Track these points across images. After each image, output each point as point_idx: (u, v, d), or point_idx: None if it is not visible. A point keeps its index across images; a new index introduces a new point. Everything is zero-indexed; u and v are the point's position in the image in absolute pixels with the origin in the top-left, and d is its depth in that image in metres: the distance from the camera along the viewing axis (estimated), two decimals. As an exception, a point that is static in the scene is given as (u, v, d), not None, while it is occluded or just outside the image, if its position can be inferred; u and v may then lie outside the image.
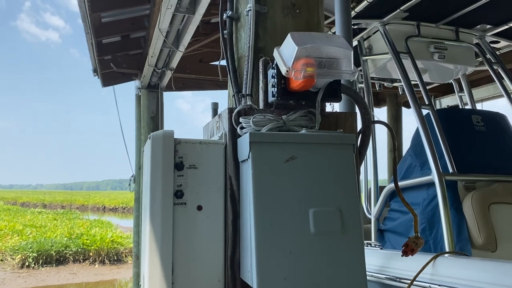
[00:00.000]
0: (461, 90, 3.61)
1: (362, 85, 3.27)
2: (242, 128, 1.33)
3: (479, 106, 4.09)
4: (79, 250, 12.78)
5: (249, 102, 1.42)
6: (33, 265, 11.93)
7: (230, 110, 1.39)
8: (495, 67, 3.11)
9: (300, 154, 1.23)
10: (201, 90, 6.43)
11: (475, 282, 1.66)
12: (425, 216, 2.40)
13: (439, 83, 3.89)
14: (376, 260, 2.24)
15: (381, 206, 2.81)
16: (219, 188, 1.37)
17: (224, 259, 1.35)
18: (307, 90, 1.36)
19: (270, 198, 1.19)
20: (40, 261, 12.08)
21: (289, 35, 1.28)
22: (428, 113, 2.59)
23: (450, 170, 2.35)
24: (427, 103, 2.63)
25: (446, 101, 4.87)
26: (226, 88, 1.65)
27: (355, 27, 3.12)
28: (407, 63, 2.84)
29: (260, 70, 1.45)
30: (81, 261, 12.65)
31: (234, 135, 1.37)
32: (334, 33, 2.88)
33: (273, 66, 1.36)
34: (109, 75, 5.79)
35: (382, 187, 2.86)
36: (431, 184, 2.36)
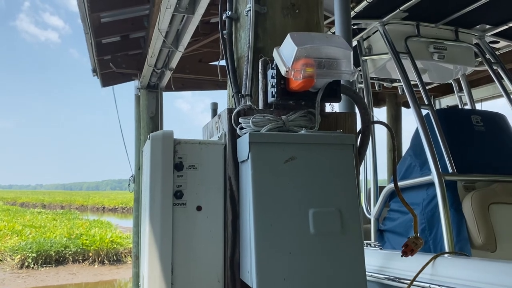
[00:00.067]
0: (460, 90, 3.61)
1: (362, 85, 3.27)
2: (241, 128, 1.33)
3: (478, 106, 4.09)
4: (79, 250, 12.78)
5: (248, 103, 1.42)
6: (32, 265, 11.92)
7: (230, 111, 1.39)
8: (494, 67, 3.12)
9: (299, 154, 1.23)
10: (200, 90, 6.43)
11: (474, 282, 1.66)
12: (425, 216, 2.40)
13: (438, 83, 3.89)
14: (376, 260, 2.24)
15: (380, 206, 2.81)
16: (218, 189, 1.36)
17: (224, 259, 1.35)
18: (307, 91, 1.36)
19: (269, 198, 1.19)
20: (40, 262, 12.07)
21: (288, 35, 1.28)
22: (428, 113, 2.59)
23: (450, 170, 2.35)
24: (426, 103, 2.63)
25: (446, 101, 4.87)
26: (226, 88, 1.65)
27: (354, 27, 3.12)
28: (406, 63, 2.84)
29: (260, 70, 1.45)
30: (81, 261, 12.65)
31: (233, 136, 1.37)
32: (333, 33, 2.88)
33: (273, 66, 1.36)
34: (109, 75, 5.79)
35: (382, 187, 2.86)
36: (430, 184, 2.36)
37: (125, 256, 12.99)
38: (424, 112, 2.60)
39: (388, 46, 2.89)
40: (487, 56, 3.15)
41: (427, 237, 2.35)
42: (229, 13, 1.59)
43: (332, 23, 2.80)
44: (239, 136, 1.34)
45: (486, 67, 3.15)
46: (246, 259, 1.26)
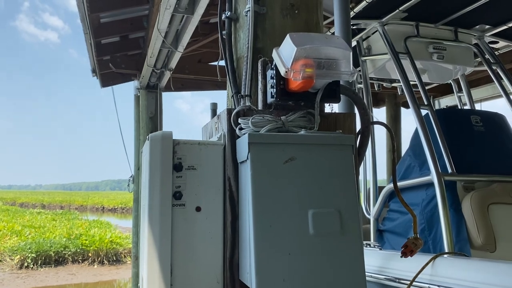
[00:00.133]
0: (460, 90, 3.61)
1: (361, 86, 3.27)
2: (241, 129, 1.33)
3: (478, 106, 4.09)
4: (78, 250, 12.77)
5: (248, 103, 1.42)
6: (32, 265, 11.91)
7: (229, 111, 1.39)
8: (494, 67, 3.12)
9: (299, 155, 1.23)
10: (200, 90, 6.43)
11: (474, 283, 1.66)
12: (424, 217, 2.40)
13: (438, 83, 3.89)
14: (375, 260, 2.24)
15: (380, 207, 2.81)
16: (218, 189, 1.36)
17: (223, 260, 1.35)
18: (306, 91, 1.35)
19: (269, 199, 1.19)
20: (39, 262, 12.06)
21: (288, 35, 1.28)
22: (427, 113, 2.59)
23: (449, 171, 2.35)
24: (426, 103, 2.63)
25: (445, 101, 4.87)
26: (225, 89, 1.65)
27: (354, 27, 3.12)
28: (406, 63, 2.84)
29: (259, 71, 1.44)
30: (80, 261, 12.64)
31: (233, 136, 1.37)
32: (333, 33, 2.88)
33: (272, 67, 1.36)
34: (108, 75, 5.79)
35: (381, 188, 2.86)
36: (430, 184, 2.36)
37: (124, 256, 12.98)
38: (424, 112, 2.60)
39: (388, 46, 2.89)
40: (487, 56, 3.15)
41: (426, 238, 2.35)
42: (229, 13, 1.59)
43: (332, 23, 2.80)
44: (239, 137, 1.34)
45: (485, 67, 3.15)
46: (245, 260, 1.26)
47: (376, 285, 2.18)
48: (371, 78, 3.58)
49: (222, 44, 1.60)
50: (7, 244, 13.54)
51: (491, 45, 3.36)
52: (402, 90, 2.86)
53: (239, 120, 1.33)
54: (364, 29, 3.19)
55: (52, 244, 12.82)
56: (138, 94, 5.79)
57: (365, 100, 3.02)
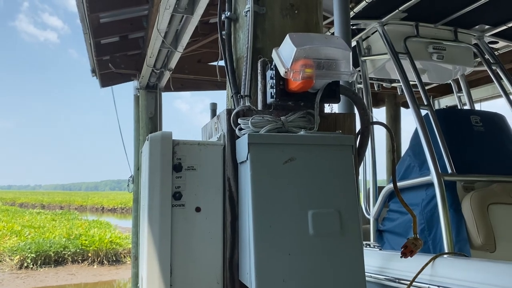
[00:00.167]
0: (459, 90, 3.61)
1: (361, 86, 3.27)
2: (240, 129, 1.33)
3: (477, 107, 4.10)
4: (78, 250, 12.77)
5: (247, 103, 1.42)
6: (31, 266, 11.91)
7: (229, 111, 1.39)
8: (493, 67, 3.12)
9: (299, 155, 1.23)
10: (199, 90, 6.43)
11: (474, 283, 1.66)
12: (424, 217, 2.40)
13: (437, 83, 3.89)
14: (375, 261, 2.24)
15: (380, 207, 2.81)
16: (217, 190, 1.36)
17: (223, 260, 1.35)
18: (306, 91, 1.35)
19: (268, 199, 1.19)
20: (39, 262, 12.06)
21: (287, 36, 1.28)
22: (427, 113, 2.59)
23: (449, 171, 2.35)
24: (425, 103, 2.63)
25: (445, 102, 4.87)
26: (225, 89, 1.64)
27: (353, 27, 3.12)
28: (405, 63, 2.84)
29: (259, 71, 1.44)
30: (80, 261, 12.64)
31: (232, 136, 1.37)
32: (333, 33, 2.88)
33: (272, 67, 1.36)
34: (108, 75, 5.79)
35: (381, 188, 2.86)
36: (430, 184, 2.36)
37: (124, 256, 12.98)
38: (423, 112, 2.60)
39: (387, 47, 2.89)
40: (486, 56, 3.15)
41: (426, 238, 2.35)
42: (228, 13, 1.59)
43: (331, 23, 2.80)
44: (238, 137, 1.34)
45: (485, 68, 3.15)
46: (245, 260, 1.26)
47: (376, 285, 2.18)
48: (370, 78, 3.58)
49: (222, 45, 1.60)
50: (7, 244, 13.53)
51: (490, 45, 3.36)
52: (402, 90, 2.86)
53: (239, 121, 1.33)
54: (363, 29, 3.19)
55: (51, 244, 12.82)
56: (138, 94, 5.79)
57: (364, 100, 3.03)
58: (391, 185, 2.62)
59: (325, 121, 1.43)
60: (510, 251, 2.20)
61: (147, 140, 1.34)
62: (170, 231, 1.29)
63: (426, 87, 3.05)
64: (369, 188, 3.06)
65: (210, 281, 1.33)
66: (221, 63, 1.63)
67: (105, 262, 12.65)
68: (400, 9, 2.86)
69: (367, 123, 1.52)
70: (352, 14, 2.87)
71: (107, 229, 16.82)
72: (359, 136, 1.52)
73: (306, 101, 1.38)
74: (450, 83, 3.68)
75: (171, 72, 4.95)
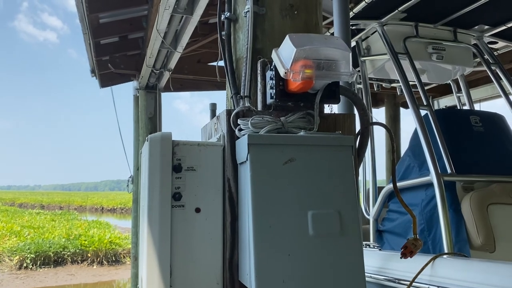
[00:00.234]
0: (459, 90, 3.61)
1: (360, 86, 3.27)
2: (240, 130, 1.33)
3: (477, 107, 4.10)
4: (77, 251, 12.77)
5: (247, 104, 1.42)
6: (31, 266, 11.91)
7: (228, 112, 1.38)
8: (493, 67, 3.12)
9: (298, 156, 1.23)
10: (199, 90, 6.43)
11: (474, 284, 1.66)
12: (424, 217, 2.40)
13: (437, 83, 3.89)
14: (375, 261, 2.24)
15: (379, 207, 2.81)
16: (217, 190, 1.36)
17: (223, 261, 1.35)
18: (306, 92, 1.35)
19: (268, 200, 1.19)
20: (38, 262, 12.06)
21: (287, 36, 1.28)
22: (427, 113, 2.59)
23: (449, 171, 2.35)
24: (425, 103, 2.63)
25: (444, 102, 4.88)
26: (224, 89, 1.64)
27: (353, 27, 3.12)
28: (405, 63, 2.84)
29: (259, 71, 1.44)
30: (79, 262, 12.64)
31: (232, 137, 1.37)
32: (332, 34, 2.88)
33: (272, 67, 1.36)
34: (107, 75, 5.78)
35: (381, 188, 2.86)
36: (429, 184, 2.36)
37: (124, 256, 12.98)
38: (423, 112, 2.60)
39: (387, 47, 2.89)
40: (486, 56, 3.15)
41: (426, 238, 2.35)
42: (228, 14, 1.59)
43: (331, 23, 2.80)
44: (238, 138, 1.34)
45: (484, 68, 3.15)
46: (245, 261, 1.26)
47: (375, 285, 2.18)
48: (370, 79, 3.58)
49: (222, 45, 1.60)
50: (6, 245, 13.53)
51: (490, 46, 3.36)
52: (402, 91, 2.87)
53: (239, 121, 1.33)
54: (363, 29, 3.19)
55: (51, 244, 12.82)
56: (137, 95, 5.79)
57: (364, 101, 3.03)
58: (391, 185, 2.62)
59: (325, 122, 1.43)
60: (510, 252, 2.21)
61: (147, 140, 1.33)
62: (170, 232, 1.29)
63: (426, 87, 3.05)
64: (368, 188, 3.06)
65: (210, 281, 1.33)
66: (221, 63, 1.63)
67: (105, 262, 12.65)
68: (399, 9, 2.86)
69: (367, 124, 1.52)
70: (351, 14, 2.87)
71: (106, 229, 16.82)
72: (359, 136, 1.52)
73: (306, 102, 1.38)
74: (450, 83, 3.68)
75: (170, 73, 4.95)
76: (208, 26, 5.06)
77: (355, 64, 3.28)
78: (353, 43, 3.27)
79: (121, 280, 11.13)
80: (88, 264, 12.51)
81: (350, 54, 1.28)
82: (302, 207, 1.20)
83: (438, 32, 3.14)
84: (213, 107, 1.67)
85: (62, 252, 12.57)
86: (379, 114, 7.33)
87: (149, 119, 5.58)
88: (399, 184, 2.54)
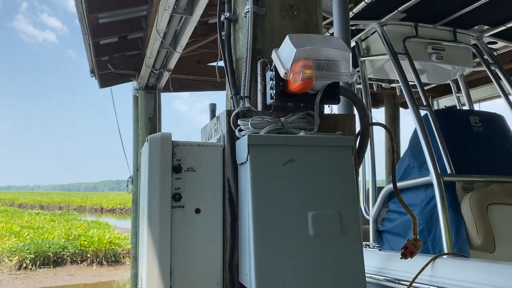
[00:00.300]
0: (459, 90, 3.62)
1: (360, 86, 3.27)
2: (240, 130, 1.33)
3: (476, 107, 4.10)
4: (77, 251, 12.76)
5: (247, 104, 1.42)
6: (30, 266, 11.90)
7: (228, 112, 1.38)
8: (492, 67, 3.12)
9: (298, 156, 1.23)
10: (198, 91, 6.43)
11: (473, 284, 1.66)
12: (424, 217, 2.40)
13: (437, 83, 3.89)
14: (375, 261, 2.24)
15: (379, 207, 2.81)
16: (217, 191, 1.36)
17: (223, 262, 1.35)
18: (306, 92, 1.35)
19: (268, 200, 1.19)
20: (38, 263, 12.05)
21: (287, 37, 1.28)
22: (426, 113, 2.59)
23: (448, 171, 2.35)
24: (425, 103, 2.64)
25: (444, 102, 4.88)
26: (224, 89, 1.64)
27: (353, 28, 3.12)
28: (405, 64, 2.85)
29: (258, 72, 1.44)
30: (79, 262, 12.63)
31: (232, 138, 1.37)
32: (332, 34, 2.88)
33: (271, 68, 1.36)
34: (107, 76, 5.78)
35: (380, 188, 2.86)
36: (429, 185, 2.36)
37: (123, 257, 12.97)
38: (423, 112, 2.60)
39: (386, 47, 2.89)
40: (485, 56, 3.16)
41: (425, 238, 2.35)
42: (228, 14, 1.59)
43: (331, 24, 2.80)
44: (238, 138, 1.34)
45: (484, 68, 3.15)
46: (245, 262, 1.26)
47: (375, 286, 2.18)
48: (370, 79, 3.58)
49: (221, 45, 1.60)
50: (6, 245, 13.52)
51: (489, 46, 3.36)
52: (401, 91, 2.87)
53: (239, 122, 1.33)
54: (363, 29, 3.19)
55: (50, 245, 12.81)
56: (137, 95, 5.79)
57: (364, 101, 3.03)
58: (391, 185, 2.62)
59: (325, 122, 1.43)
60: (510, 252, 2.21)
61: (147, 141, 1.33)
62: (169, 232, 1.29)
63: (425, 88, 3.05)
64: (368, 189, 3.06)
65: (210, 282, 1.32)
66: (221, 63, 1.63)
67: (104, 262, 12.64)
68: (399, 9, 2.86)
69: (367, 124, 1.52)
70: (351, 14, 2.87)
71: (106, 229, 16.81)
72: (359, 137, 1.52)
73: (306, 102, 1.38)
74: (449, 83, 3.68)
75: (170, 73, 4.95)
76: (207, 27, 5.06)
77: (355, 64, 3.29)
78: (352, 43, 3.27)
79: (120, 281, 11.13)
80: (87, 265, 12.50)
81: (350, 54, 1.28)
82: (302, 207, 1.20)
83: (438, 32, 3.14)
84: (213, 108, 1.67)
85: (62, 253, 12.56)
86: (378, 114, 7.34)
87: (149, 119, 5.58)
88: (399, 184, 2.54)
